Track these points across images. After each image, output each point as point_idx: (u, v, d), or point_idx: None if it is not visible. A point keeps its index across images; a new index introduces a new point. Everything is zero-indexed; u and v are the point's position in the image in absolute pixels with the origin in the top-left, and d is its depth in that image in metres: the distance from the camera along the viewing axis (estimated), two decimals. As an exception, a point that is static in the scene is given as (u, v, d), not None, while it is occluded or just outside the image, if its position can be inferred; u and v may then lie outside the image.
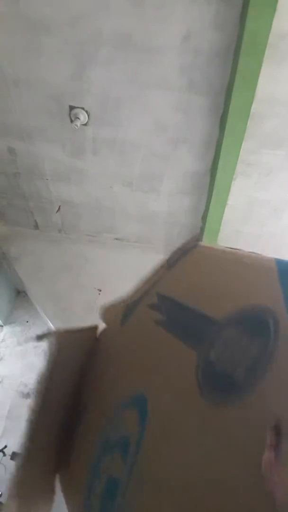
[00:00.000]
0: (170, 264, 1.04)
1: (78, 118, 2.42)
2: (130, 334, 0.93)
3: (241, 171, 2.66)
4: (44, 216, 3.46)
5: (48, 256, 3.52)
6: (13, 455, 3.03)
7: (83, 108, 2.41)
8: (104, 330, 0.94)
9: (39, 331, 3.92)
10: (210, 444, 0.63)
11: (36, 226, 3.61)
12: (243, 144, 2.32)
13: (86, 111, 2.43)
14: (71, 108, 2.42)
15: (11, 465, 2.98)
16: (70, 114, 2.44)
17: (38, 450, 0.88)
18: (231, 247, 1.28)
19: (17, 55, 2.18)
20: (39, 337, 0.92)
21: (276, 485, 0.53)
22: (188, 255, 0.98)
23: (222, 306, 0.75)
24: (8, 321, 4.04)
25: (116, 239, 3.61)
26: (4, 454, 3.10)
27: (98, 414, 0.88)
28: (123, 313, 0.96)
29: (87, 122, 2.48)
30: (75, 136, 2.62)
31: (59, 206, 3.33)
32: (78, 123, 2.42)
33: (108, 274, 3.44)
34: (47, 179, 3.04)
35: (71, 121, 2.45)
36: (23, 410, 3.44)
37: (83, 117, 2.44)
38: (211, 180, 2.74)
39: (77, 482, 0.86)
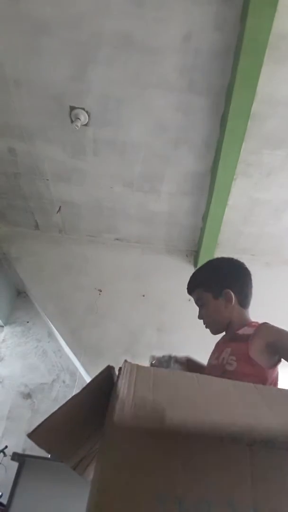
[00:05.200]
0: None
1: (79, 118, 2.42)
2: None
3: (241, 171, 2.66)
4: (45, 216, 3.46)
5: (49, 257, 3.53)
6: (14, 456, 3.02)
7: (83, 109, 2.41)
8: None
9: (40, 331, 3.92)
10: None
11: (37, 227, 3.61)
12: (243, 144, 2.32)
13: (87, 112, 2.43)
14: (72, 108, 2.42)
15: (12, 465, 2.97)
16: (70, 114, 2.44)
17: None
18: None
19: (18, 55, 2.18)
20: None
21: None
22: None
23: None
24: (8, 321, 4.03)
25: (117, 239, 3.61)
26: (5, 455, 3.09)
27: None
28: None
29: (87, 122, 2.48)
30: (75, 137, 2.62)
31: (60, 207, 3.33)
32: (79, 123, 2.42)
33: (109, 274, 3.44)
34: (47, 180, 3.05)
35: (72, 121, 2.45)
36: (24, 411, 3.44)
37: (83, 117, 2.44)
38: (212, 180, 2.74)
39: None
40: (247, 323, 1.33)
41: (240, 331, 1.29)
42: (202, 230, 3.21)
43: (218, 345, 1.40)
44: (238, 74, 1.95)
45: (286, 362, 1.22)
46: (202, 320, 1.44)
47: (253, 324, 1.31)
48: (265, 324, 1.26)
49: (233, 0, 1.82)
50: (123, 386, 0.69)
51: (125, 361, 0.80)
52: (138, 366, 0.78)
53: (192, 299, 1.52)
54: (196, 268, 1.67)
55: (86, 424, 0.91)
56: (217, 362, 1.28)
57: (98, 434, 0.89)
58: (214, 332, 1.41)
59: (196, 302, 1.47)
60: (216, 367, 1.26)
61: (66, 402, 0.90)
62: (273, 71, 2.05)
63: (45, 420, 0.88)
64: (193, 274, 1.55)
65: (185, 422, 0.63)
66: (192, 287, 1.49)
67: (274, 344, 1.20)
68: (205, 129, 2.46)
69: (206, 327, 1.43)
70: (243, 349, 1.21)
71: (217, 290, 1.39)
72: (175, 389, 0.72)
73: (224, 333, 1.41)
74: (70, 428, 0.90)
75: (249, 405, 0.71)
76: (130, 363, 0.79)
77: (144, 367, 0.79)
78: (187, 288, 1.51)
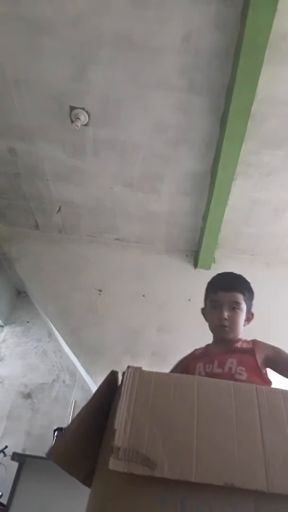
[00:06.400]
0: None
1: (79, 118, 2.42)
2: None
3: (241, 171, 2.66)
4: (45, 216, 3.46)
5: (49, 257, 3.52)
6: (14, 456, 3.03)
7: (83, 109, 2.41)
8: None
9: (40, 331, 3.92)
10: None
11: (37, 227, 3.61)
12: (243, 144, 2.32)
13: (87, 112, 2.43)
14: (72, 108, 2.42)
15: (12, 465, 2.97)
16: (70, 114, 2.44)
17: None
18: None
19: (18, 55, 2.18)
20: None
21: None
22: None
23: None
24: (8, 321, 4.03)
25: (117, 239, 3.61)
26: (5, 455, 3.09)
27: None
28: None
29: (87, 122, 2.48)
30: (75, 137, 2.62)
31: (60, 207, 3.33)
32: (79, 123, 2.42)
33: (109, 275, 3.44)
34: (47, 180, 3.05)
35: (72, 121, 2.45)
36: (24, 411, 3.44)
37: (83, 117, 2.44)
38: (212, 180, 2.74)
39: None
40: (238, 339, 1.42)
41: (238, 345, 1.39)
42: (202, 230, 3.21)
43: (211, 355, 1.40)
44: (238, 74, 1.94)
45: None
46: (224, 320, 1.38)
47: (244, 340, 1.41)
48: (258, 340, 1.39)
49: (233, 0, 1.82)
50: (120, 415, 0.73)
51: (128, 367, 0.82)
52: (139, 382, 0.80)
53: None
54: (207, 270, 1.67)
55: (92, 433, 0.92)
56: (222, 372, 1.31)
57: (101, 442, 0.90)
58: (228, 336, 1.40)
59: (232, 302, 1.40)
60: (224, 377, 1.29)
61: (77, 416, 0.92)
62: (273, 71, 2.05)
63: (62, 437, 0.90)
64: (242, 277, 1.51)
65: (174, 474, 0.66)
66: (241, 288, 1.45)
67: (272, 359, 1.33)
68: (205, 129, 2.46)
69: (227, 328, 1.39)
70: (251, 361, 1.30)
71: (249, 308, 1.46)
72: (172, 423, 0.75)
73: (211, 343, 1.47)
74: (79, 439, 0.91)
75: (247, 447, 0.73)
76: (131, 374, 0.81)
77: (145, 381, 0.81)
78: (234, 284, 1.46)
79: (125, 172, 2.87)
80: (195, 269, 3.49)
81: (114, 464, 0.65)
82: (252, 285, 1.50)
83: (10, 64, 2.24)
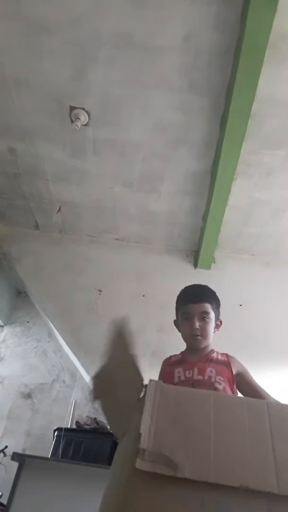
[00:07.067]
0: None
1: (79, 118, 2.43)
2: None
3: (241, 171, 2.66)
4: (45, 216, 3.46)
5: (49, 257, 3.52)
6: (14, 456, 3.02)
7: (83, 109, 2.41)
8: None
9: (40, 331, 3.92)
10: None
11: (37, 227, 3.61)
12: (243, 144, 2.32)
13: (87, 112, 2.43)
14: (72, 108, 2.42)
15: (12, 465, 2.97)
16: (70, 114, 2.44)
17: None
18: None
19: (18, 55, 2.18)
20: None
21: None
22: None
23: None
24: (8, 321, 4.03)
25: (117, 239, 3.61)
26: (5, 455, 3.08)
27: None
28: None
29: (87, 122, 2.48)
30: (75, 137, 2.62)
31: (60, 207, 3.33)
32: (79, 123, 2.42)
33: (109, 275, 3.44)
34: (47, 180, 3.05)
35: (72, 121, 2.45)
36: (24, 411, 3.44)
37: (83, 117, 2.44)
38: (212, 180, 2.74)
39: None
40: (211, 349, 1.52)
41: (214, 355, 1.48)
42: (202, 230, 3.21)
43: (189, 362, 1.48)
44: (238, 74, 1.94)
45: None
46: (196, 330, 1.49)
47: (217, 351, 1.51)
48: (232, 356, 1.50)
49: (233, 0, 1.82)
50: (145, 421, 0.80)
51: (150, 381, 0.89)
52: (160, 394, 0.87)
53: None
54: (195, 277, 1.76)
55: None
56: (202, 379, 1.39)
57: None
58: (201, 344, 1.50)
59: (202, 313, 1.51)
60: (204, 384, 1.36)
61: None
62: (273, 71, 2.05)
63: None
64: (208, 288, 1.61)
65: (194, 475, 0.73)
66: (208, 299, 1.55)
67: (240, 376, 1.43)
68: (205, 129, 2.46)
69: (199, 337, 1.49)
70: (228, 373, 1.40)
71: (217, 316, 1.56)
72: (191, 431, 0.82)
73: (185, 352, 1.57)
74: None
75: (259, 452, 0.79)
76: (153, 388, 0.87)
77: (166, 394, 0.88)
78: (202, 295, 1.56)
79: (125, 172, 2.87)
80: (195, 269, 3.49)
81: (140, 464, 0.72)
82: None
83: (10, 64, 2.24)
